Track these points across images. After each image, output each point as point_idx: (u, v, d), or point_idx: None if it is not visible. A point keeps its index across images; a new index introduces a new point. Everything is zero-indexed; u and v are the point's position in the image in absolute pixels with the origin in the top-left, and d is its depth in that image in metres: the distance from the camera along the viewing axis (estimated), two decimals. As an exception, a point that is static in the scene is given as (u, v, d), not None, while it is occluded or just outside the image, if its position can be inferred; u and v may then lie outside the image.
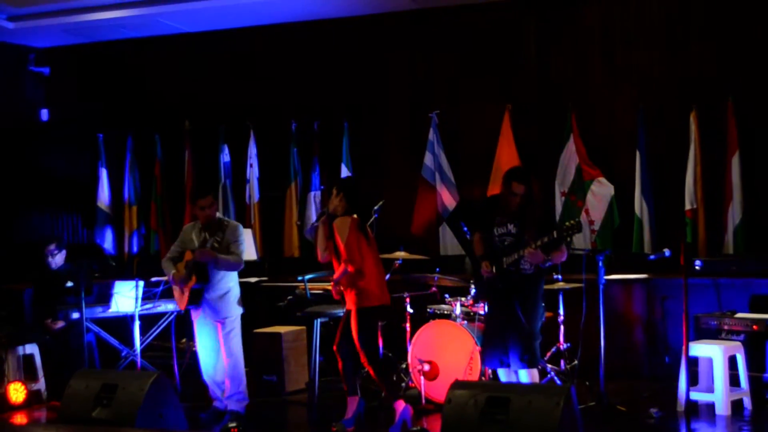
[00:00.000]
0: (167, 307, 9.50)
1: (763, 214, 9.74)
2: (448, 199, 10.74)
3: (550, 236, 7.27)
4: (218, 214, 8.61)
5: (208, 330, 8.47)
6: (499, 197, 7.72)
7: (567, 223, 7.29)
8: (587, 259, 8.40)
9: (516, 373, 7.51)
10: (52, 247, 10.07)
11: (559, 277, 9.10)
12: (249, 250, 9.78)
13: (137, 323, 9.13)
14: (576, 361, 9.03)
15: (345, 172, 11.17)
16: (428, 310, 9.21)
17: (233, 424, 8.04)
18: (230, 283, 8.45)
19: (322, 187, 11.31)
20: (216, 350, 8.49)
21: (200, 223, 8.46)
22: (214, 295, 8.34)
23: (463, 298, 8.84)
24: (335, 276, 7.81)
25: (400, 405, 7.78)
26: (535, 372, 7.52)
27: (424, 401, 8.51)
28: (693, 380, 8.13)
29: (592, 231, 10.15)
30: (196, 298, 8.31)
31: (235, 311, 8.46)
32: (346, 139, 11.25)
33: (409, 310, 9.22)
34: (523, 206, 7.49)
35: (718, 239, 9.77)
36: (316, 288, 9.87)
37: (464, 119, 11.01)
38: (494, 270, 7.47)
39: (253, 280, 10.68)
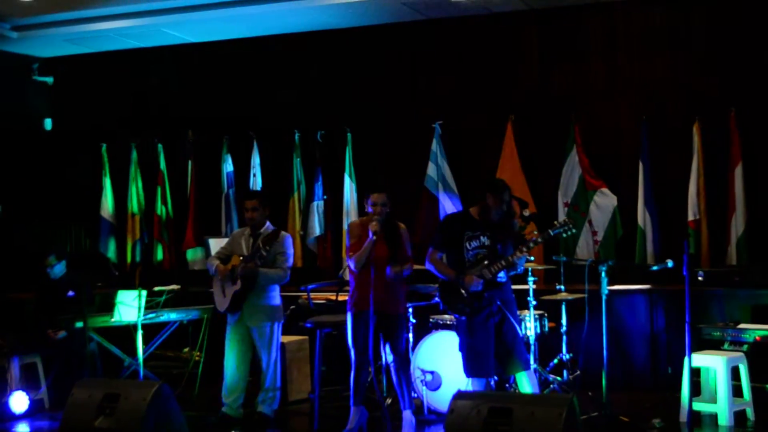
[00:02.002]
0: (170, 316, 9.51)
1: (766, 224, 9.75)
2: (450, 209, 10.74)
3: (545, 234, 7.31)
4: (268, 223, 8.62)
5: (241, 336, 8.49)
6: (463, 213, 7.76)
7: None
8: (590, 269, 8.39)
9: (513, 378, 7.55)
10: (52, 257, 10.09)
11: (562, 287, 9.10)
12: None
13: (140, 332, 9.14)
14: (578, 372, 9.02)
15: (348, 182, 11.18)
16: (431, 320, 9.21)
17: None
18: (272, 292, 8.50)
19: (324, 197, 11.32)
20: (244, 357, 8.52)
21: (249, 229, 8.52)
22: (256, 303, 8.37)
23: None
24: (403, 270, 7.81)
25: (408, 415, 7.84)
26: (533, 372, 7.56)
27: (426, 411, 8.50)
28: (696, 391, 8.12)
29: (595, 241, 10.16)
30: (237, 303, 8.33)
31: (275, 321, 8.50)
32: (349, 149, 11.27)
33: (412, 320, 9.21)
34: (504, 215, 7.51)
35: (721, 250, 9.79)
36: (319, 298, 9.87)
37: (467, 130, 11.03)
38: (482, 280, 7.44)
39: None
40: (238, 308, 8.37)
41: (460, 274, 7.47)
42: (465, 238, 7.51)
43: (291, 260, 8.55)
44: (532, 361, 8.46)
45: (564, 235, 7.43)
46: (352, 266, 7.81)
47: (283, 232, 8.57)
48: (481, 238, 7.49)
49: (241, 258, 8.29)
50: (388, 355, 7.89)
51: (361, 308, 7.80)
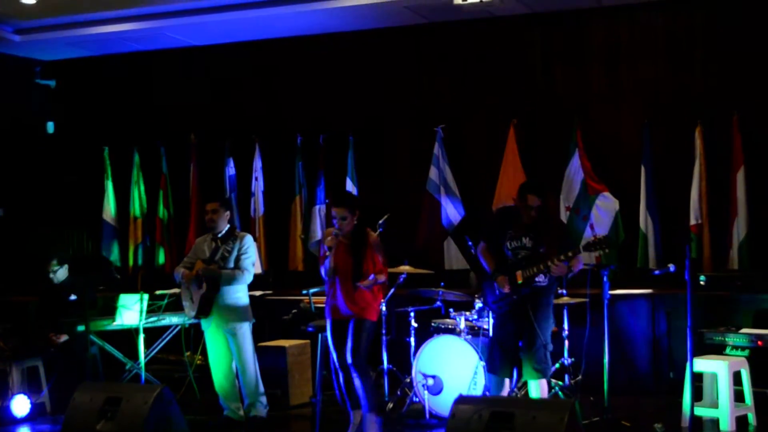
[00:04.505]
0: (172, 320, 9.51)
1: (768, 229, 9.76)
2: (452, 213, 10.75)
3: (576, 250, 7.29)
4: (228, 226, 8.63)
5: (219, 340, 8.52)
6: (513, 210, 7.72)
7: (595, 237, 7.31)
8: (592, 273, 8.40)
9: (526, 384, 7.55)
10: (54, 262, 10.10)
11: (564, 291, 9.10)
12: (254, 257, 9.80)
13: (142, 336, 9.14)
14: (580, 376, 9.01)
15: (350, 185, 11.18)
16: (432, 324, 9.21)
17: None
18: (239, 293, 8.49)
19: (326, 200, 11.32)
20: (226, 360, 8.55)
21: (211, 234, 8.53)
22: (224, 305, 8.38)
23: (467, 313, 8.83)
24: (371, 282, 7.70)
25: (369, 417, 7.86)
26: (545, 382, 7.54)
27: (428, 416, 8.50)
28: (697, 396, 8.11)
29: (597, 246, 10.14)
30: (206, 308, 8.34)
31: (245, 321, 8.49)
32: (351, 152, 11.27)
33: (414, 324, 9.21)
34: (538, 219, 7.50)
35: (723, 254, 9.77)
36: (321, 302, 9.85)
37: (469, 133, 11.03)
38: (511, 284, 7.47)
39: (257, 293, 10.68)
40: (208, 312, 8.40)
41: (496, 271, 7.51)
42: (507, 236, 7.55)
43: (252, 259, 8.57)
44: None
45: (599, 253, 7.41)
46: (323, 275, 7.87)
47: (242, 233, 8.62)
48: (523, 239, 7.52)
49: (203, 261, 8.35)
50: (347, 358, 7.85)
51: (332, 316, 7.88)
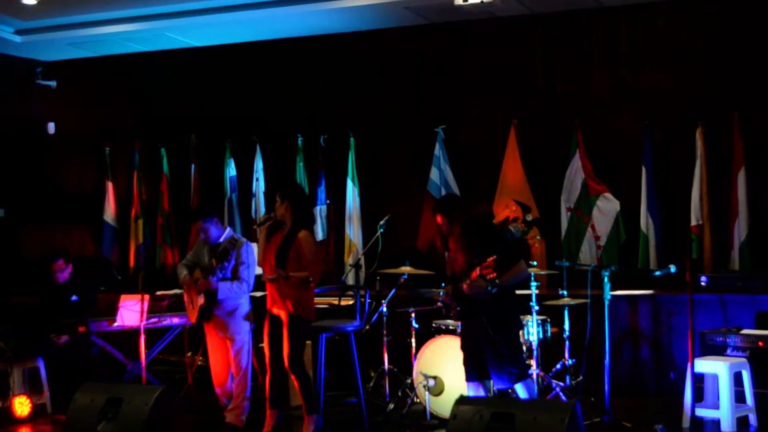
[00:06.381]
0: (172, 320, 9.51)
1: (770, 229, 9.76)
2: (453, 214, 10.73)
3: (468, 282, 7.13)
4: (228, 230, 8.59)
5: (219, 345, 8.50)
6: None
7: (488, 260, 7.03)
8: (593, 274, 8.39)
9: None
10: (60, 262, 10.09)
11: (565, 292, 9.09)
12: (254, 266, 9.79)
13: (142, 337, 9.13)
14: (581, 377, 9.01)
15: (351, 186, 11.19)
16: (433, 325, 9.20)
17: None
18: (238, 300, 8.44)
19: (327, 201, 11.32)
20: (227, 362, 8.53)
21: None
22: (223, 313, 8.35)
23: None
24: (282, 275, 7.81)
25: (312, 419, 7.96)
26: (529, 383, 7.37)
27: (429, 417, 8.50)
28: (698, 396, 8.11)
29: (597, 246, 10.15)
30: (206, 314, 8.33)
31: (243, 328, 8.46)
32: (352, 153, 11.27)
33: (415, 325, 9.21)
34: (469, 235, 7.34)
35: (724, 255, 9.78)
36: (321, 303, 9.86)
37: (470, 134, 11.04)
38: (449, 294, 7.42)
39: (258, 294, 10.66)
40: (208, 319, 8.40)
41: (447, 279, 7.52)
42: None
43: (252, 268, 8.47)
44: (534, 367, 8.49)
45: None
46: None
47: (241, 240, 8.51)
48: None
49: (202, 272, 8.30)
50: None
51: (269, 310, 8.06)
